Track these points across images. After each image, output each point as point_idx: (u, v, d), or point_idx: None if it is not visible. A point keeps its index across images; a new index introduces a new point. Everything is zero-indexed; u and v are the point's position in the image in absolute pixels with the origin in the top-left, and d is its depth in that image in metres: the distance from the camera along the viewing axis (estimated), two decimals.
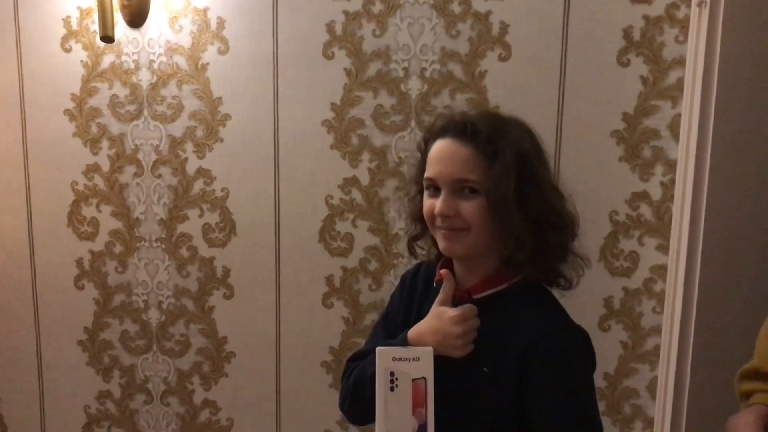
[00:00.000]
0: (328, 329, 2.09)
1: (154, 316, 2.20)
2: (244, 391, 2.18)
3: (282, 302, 2.11)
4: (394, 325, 1.34)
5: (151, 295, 2.19)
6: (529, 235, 1.15)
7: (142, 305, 2.20)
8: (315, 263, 2.06)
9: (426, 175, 1.17)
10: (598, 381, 1.93)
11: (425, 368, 1.13)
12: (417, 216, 1.26)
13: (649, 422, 1.92)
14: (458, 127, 1.15)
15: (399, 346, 1.16)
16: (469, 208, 1.14)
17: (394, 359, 1.13)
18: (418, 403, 1.13)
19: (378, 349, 1.14)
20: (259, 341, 2.14)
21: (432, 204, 1.16)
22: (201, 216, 2.11)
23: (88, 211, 2.17)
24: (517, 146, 1.13)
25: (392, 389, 1.12)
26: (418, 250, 1.32)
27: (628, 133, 1.82)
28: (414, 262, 1.35)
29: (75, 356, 2.27)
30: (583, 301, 1.89)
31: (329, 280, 2.07)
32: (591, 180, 1.85)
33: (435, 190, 1.16)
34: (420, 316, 1.26)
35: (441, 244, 1.18)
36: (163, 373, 2.23)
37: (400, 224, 1.97)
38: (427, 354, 1.13)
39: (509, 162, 1.11)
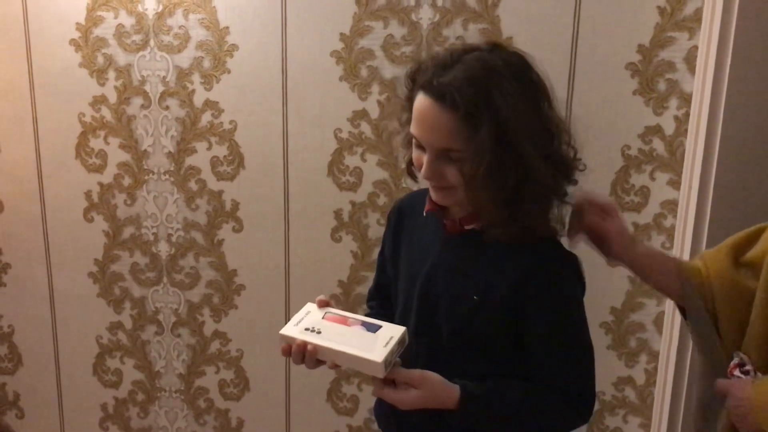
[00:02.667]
0: (337, 263, 2.11)
1: (163, 249, 2.21)
2: (254, 323, 2.21)
3: (291, 236, 2.12)
4: (389, 263, 1.38)
5: (161, 228, 2.20)
6: (498, 211, 1.13)
7: (151, 238, 2.21)
8: (323, 197, 2.06)
9: (411, 129, 1.14)
10: (605, 315, 1.95)
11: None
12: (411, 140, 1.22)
13: (654, 356, 1.94)
14: (439, 90, 1.07)
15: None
16: (453, 172, 1.11)
17: (295, 326, 1.19)
18: (344, 321, 1.21)
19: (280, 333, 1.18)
20: (268, 274, 2.16)
21: (419, 157, 1.15)
22: (209, 149, 2.10)
23: (95, 143, 2.16)
24: (501, 115, 1.06)
25: (316, 331, 1.18)
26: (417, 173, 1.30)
27: (643, 66, 1.79)
28: (416, 187, 1.37)
29: (86, 288, 2.30)
30: None
31: (338, 214, 2.07)
32: (604, 113, 1.82)
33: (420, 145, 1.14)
34: (412, 245, 1.30)
35: (431, 194, 1.20)
36: (174, 304, 2.25)
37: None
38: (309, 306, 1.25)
39: (485, 139, 1.06)
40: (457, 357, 1.20)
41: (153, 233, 2.21)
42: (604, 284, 1.91)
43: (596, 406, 1.98)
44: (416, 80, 1.14)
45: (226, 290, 2.21)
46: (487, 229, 1.17)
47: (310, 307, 1.24)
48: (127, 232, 2.22)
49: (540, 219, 1.16)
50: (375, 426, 2.18)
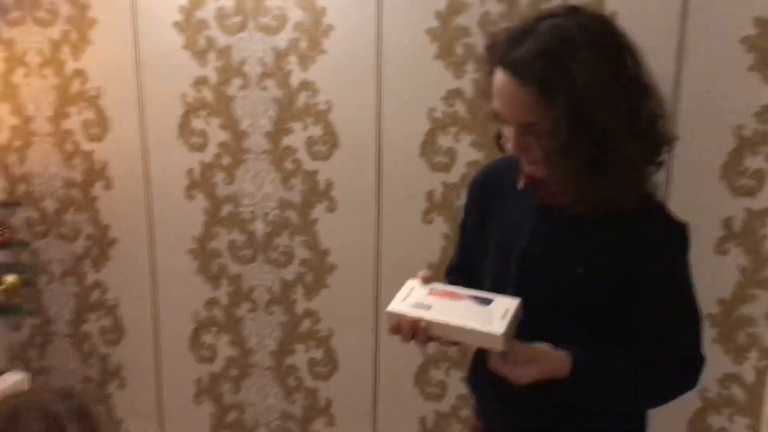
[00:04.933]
0: (428, 245, 2.08)
1: (259, 227, 2.25)
2: (344, 303, 2.22)
3: (382, 217, 2.11)
4: (474, 237, 1.34)
5: (257, 207, 2.24)
6: (578, 185, 1.09)
7: (248, 216, 2.26)
8: (415, 178, 2.04)
9: (493, 104, 1.13)
10: (712, 307, 1.83)
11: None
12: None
13: (766, 353, 1.81)
14: (513, 65, 1.06)
15: None
16: (537, 146, 1.10)
17: (402, 302, 1.17)
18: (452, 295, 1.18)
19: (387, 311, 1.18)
20: (359, 255, 2.16)
21: (507, 132, 1.14)
22: (305, 129, 2.12)
23: (197, 123, 2.23)
24: (577, 87, 1.02)
25: (426, 306, 1.15)
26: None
27: (760, 40, 1.66)
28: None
29: (185, 264, 2.37)
30: (700, 221, 1.78)
31: (430, 195, 2.04)
32: (715, 91, 1.71)
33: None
34: (502, 219, 1.25)
35: (524, 166, 1.17)
36: (268, 282, 2.29)
37: None
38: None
39: (560, 113, 1.03)
40: (558, 330, 1.16)
41: (250, 211, 2.25)
42: (712, 274, 1.80)
43: (699, 404, 1.88)
44: (492, 55, 1.12)
45: (319, 269, 2.22)
46: (572, 204, 1.12)
47: (413, 283, 1.21)
48: (226, 210, 2.28)
49: (628, 191, 1.10)
50: (462, 413, 2.16)
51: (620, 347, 1.17)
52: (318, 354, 2.29)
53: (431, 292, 1.18)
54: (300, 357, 2.32)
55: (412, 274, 2.07)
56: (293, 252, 2.24)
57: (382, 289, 2.16)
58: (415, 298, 1.16)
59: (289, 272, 2.26)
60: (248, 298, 2.33)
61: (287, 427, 2.37)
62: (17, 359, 2.62)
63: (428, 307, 1.13)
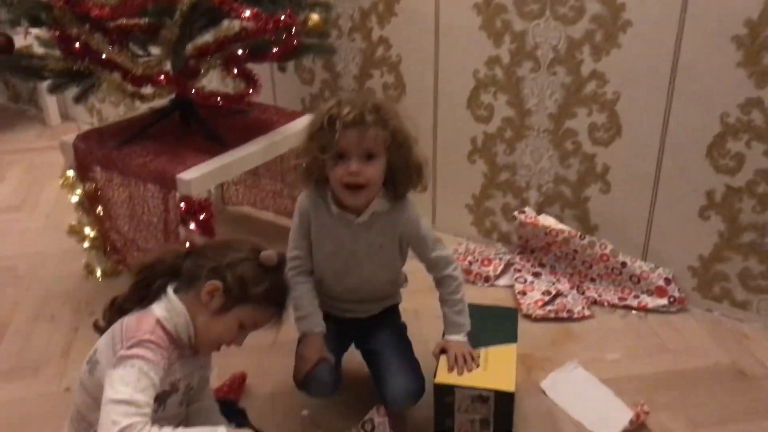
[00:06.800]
0: None
1: None
2: (636, 64, 2.07)
3: None
4: None
5: None
6: None
7: None
8: None
9: None
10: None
11: None
12: None
13: None
14: None
15: None
16: None
17: None
18: None
19: None
20: (660, 10, 1.97)
21: None
22: None
23: None
24: None
25: None
26: None
27: None
28: None
29: (470, 19, 2.33)
30: None
31: None
32: None
33: None
34: None
35: None
36: (554, 40, 2.19)
37: None
38: None
39: None
40: None
41: None
42: None
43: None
44: None
45: (611, 27, 2.07)
46: None
47: None
48: None
49: None
50: (760, 188, 1.99)
51: None
52: (600, 118, 2.20)
53: None
54: (581, 120, 2.24)
55: (724, 31, 1.87)
56: (584, 6, 2.09)
57: (683, 48, 1.96)
58: None
59: (578, 29, 2.13)
60: (531, 57, 2.26)
61: (559, 191, 2.37)
62: (309, 110, 2.86)
63: None
